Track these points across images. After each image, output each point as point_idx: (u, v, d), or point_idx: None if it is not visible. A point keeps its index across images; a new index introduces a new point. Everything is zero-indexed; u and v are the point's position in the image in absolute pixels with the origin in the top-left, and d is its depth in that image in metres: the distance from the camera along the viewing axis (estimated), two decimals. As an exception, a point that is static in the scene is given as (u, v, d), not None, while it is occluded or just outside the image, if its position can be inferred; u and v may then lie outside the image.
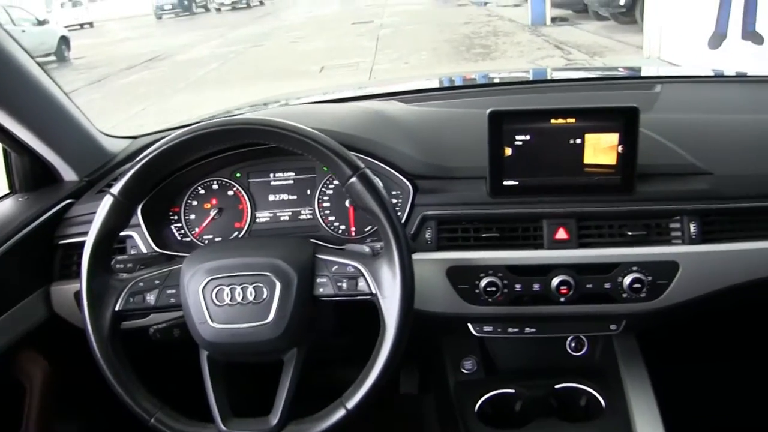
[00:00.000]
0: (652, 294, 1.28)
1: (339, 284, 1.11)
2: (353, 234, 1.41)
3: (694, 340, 1.86)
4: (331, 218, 1.42)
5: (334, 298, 1.12)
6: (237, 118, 1.12)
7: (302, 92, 2.05)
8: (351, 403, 1.06)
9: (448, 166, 1.35)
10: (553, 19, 14.01)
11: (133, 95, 10.29)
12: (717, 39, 7.68)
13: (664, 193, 1.29)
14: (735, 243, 1.29)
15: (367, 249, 1.18)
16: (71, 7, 26.93)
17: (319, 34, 16.32)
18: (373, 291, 1.09)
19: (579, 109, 1.24)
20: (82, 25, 27.59)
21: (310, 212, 1.43)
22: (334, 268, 1.12)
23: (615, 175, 1.26)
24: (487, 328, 1.38)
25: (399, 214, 1.32)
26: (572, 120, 1.24)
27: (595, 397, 1.40)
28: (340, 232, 1.42)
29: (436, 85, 2.11)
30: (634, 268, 1.27)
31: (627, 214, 1.29)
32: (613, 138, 1.24)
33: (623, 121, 1.23)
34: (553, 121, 1.24)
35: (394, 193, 1.36)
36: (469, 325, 1.39)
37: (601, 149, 1.25)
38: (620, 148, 1.24)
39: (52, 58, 15.33)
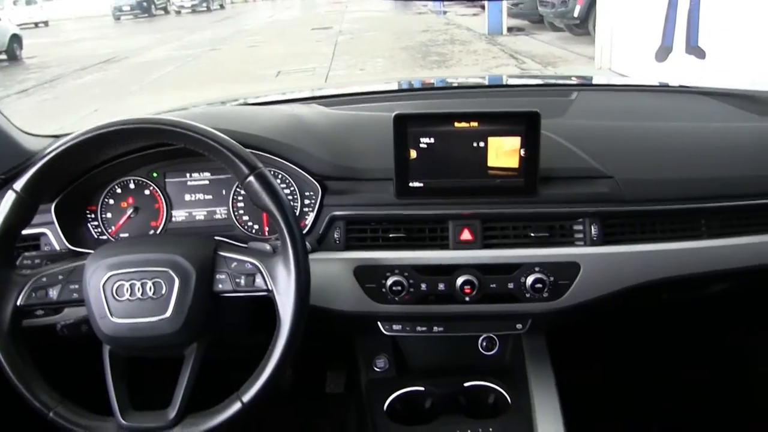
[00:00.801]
0: (554, 294, 1.32)
1: (237, 281, 1.13)
2: (266, 234, 1.43)
3: (600, 342, 1.92)
4: (245, 218, 1.43)
5: (232, 294, 1.14)
6: (137, 117, 1.13)
7: (261, 92, 2.06)
8: (247, 397, 1.08)
9: (357, 168, 1.37)
10: (510, 29, 14.20)
11: (86, 96, 10.11)
12: (663, 52, 7.86)
13: (566, 195, 1.33)
14: (634, 245, 1.34)
15: (268, 247, 1.20)
16: (25, 5, 26.28)
17: (278, 38, 16.29)
18: (269, 288, 1.11)
19: (482, 113, 1.27)
20: (36, 24, 27.03)
21: (225, 212, 1.44)
22: (233, 265, 1.14)
23: (518, 178, 1.30)
24: (396, 327, 1.41)
25: (310, 214, 1.34)
26: (475, 124, 1.27)
27: (503, 395, 1.43)
28: (253, 231, 1.43)
29: (389, 87, 2.14)
30: (537, 269, 1.30)
31: (530, 216, 1.32)
32: (515, 142, 1.27)
33: (525, 126, 1.26)
34: (456, 124, 1.27)
35: (307, 194, 1.38)
36: (379, 324, 1.41)
37: (503, 152, 1.28)
38: (522, 152, 1.28)
39: (3, 56, 15.04)
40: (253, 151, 1.19)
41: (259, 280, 1.12)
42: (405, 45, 13.31)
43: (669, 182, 1.38)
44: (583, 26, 11.60)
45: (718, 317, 1.91)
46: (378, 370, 1.54)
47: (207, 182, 1.45)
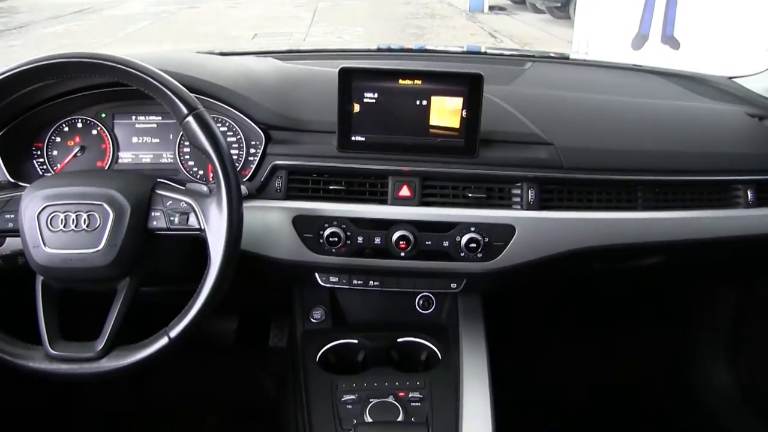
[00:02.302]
0: (488, 254, 1.34)
1: (171, 218, 1.15)
2: (210, 179, 1.43)
3: (535, 308, 1.96)
4: (190, 163, 1.43)
5: (166, 232, 1.16)
6: (76, 52, 1.12)
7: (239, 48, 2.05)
8: (174, 333, 1.10)
9: (302, 119, 1.38)
10: (492, 8, 14.18)
11: (56, 45, 9.87)
12: (640, 40, 7.90)
13: (506, 159, 1.35)
14: (570, 212, 1.36)
15: (205, 188, 1.22)
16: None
17: (257, 1, 16.06)
18: (202, 227, 1.13)
19: (425, 71, 1.29)
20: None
21: (171, 156, 1.44)
22: (168, 204, 1.16)
23: (458, 138, 1.31)
24: (333, 279, 1.43)
25: (254, 162, 1.35)
26: (419, 82, 1.28)
27: (435, 352, 1.46)
28: (198, 177, 1.43)
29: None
30: (472, 229, 1.32)
31: (469, 177, 1.34)
32: (457, 102, 1.29)
33: (468, 87, 1.28)
34: (401, 81, 1.28)
35: (252, 143, 1.39)
36: (316, 275, 1.43)
37: (445, 112, 1.30)
38: (464, 113, 1.29)
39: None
40: (200, 96, 1.19)
41: (192, 219, 1.14)
42: (385, 16, 13.21)
43: (608, 152, 1.41)
44: (564, 9, 11.62)
45: (653, 292, 1.96)
46: (314, 321, 1.55)
47: (155, 126, 1.45)
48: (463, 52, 2.07)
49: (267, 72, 1.54)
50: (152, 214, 1.15)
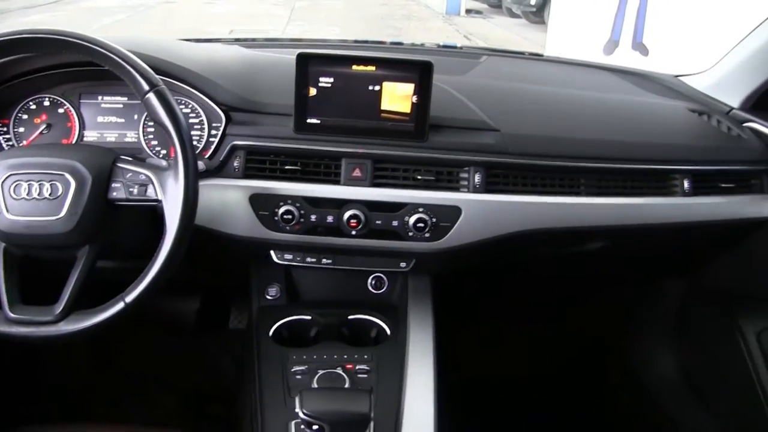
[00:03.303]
0: (435, 235, 1.41)
1: (131, 190, 1.21)
2: (172, 156, 1.48)
3: (485, 293, 2.04)
4: (154, 143, 1.48)
5: (125, 203, 1.22)
6: (38, 28, 1.18)
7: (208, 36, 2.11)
8: (129, 298, 1.16)
9: (261, 102, 1.43)
10: (468, 11, 14.32)
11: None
12: (611, 46, 8.05)
13: (454, 144, 1.42)
14: (515, 195, 1.44)
15: (164, 163, 1.28)
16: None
17: (236, -3, 16.04)
18: (159, 198, 1.19)
19: (378, 58, 1.35)
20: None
21: (135, 136, 1.49)
22: (128, 176, 1.22)
23: (409, 123, 1.38)
24: (287, 256, 1.48)
25: (215, 142, 1.41)
26: (372, 68, 1.35)
27: (384, 329, 1.52)
28: (161, 156, 1.48)
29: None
30: (420, 210, 1.39)
31: (419, 160, 1.41)
32: (408, 88, 1.36)
33: (418, 74, 1.35)
34: (354, 67, 1.35)
35: (214, 125, 1.44)
36: (272, 253, 1.49)
37: (397, 97, 1.36)
38: (415, 98, 1.36)
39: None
40: (164, 78, 1.25)
41: (150, 191, 1.20)
42: (362, 16, 13.28)
43: (552, 139, 1.48)
44: (539, 14, 11.75)
45: (602, 279, 2.04)
46: (270, 298, 1.61)
47: (121, 106, 1.49)
48: (425, 46, 2.13)
49: (231, 57, 1.59)
50: (112, 185, 1.21)
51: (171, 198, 1.17)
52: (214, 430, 1.89)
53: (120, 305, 1.16)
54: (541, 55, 2.15)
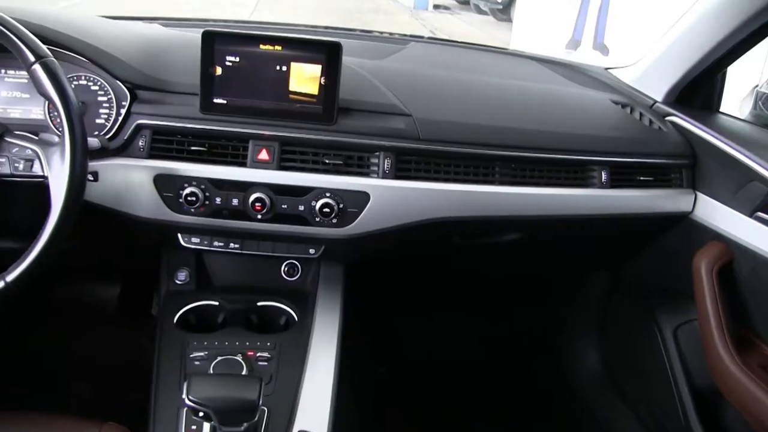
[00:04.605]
0: (342, 221, 1.38)
1: (16, 165, 1.18)
2: None
3: (397, 283, 2.02)
4: (59, 120, 1.43)
5: (9, 178, 1.18)
6: None
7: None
8: (11, 277, 1.11)
9: (168, 80, 1.39)
10: (437, 7, 14.35)
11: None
12: (573, 45, 8.12)
13: (364, 128, 1.39)
14: (426, 182, 1.41)
15: (56, 139, 1.23)
16: None
17: (201, -15, 15.80)
18: (45, 174, 1.15)
19: (285, 38, 1.32)
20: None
21: (41, 112, 1.44)
22: (14, 150, 1.19)
23: (317, 105, 1.35)
24: (195, 240, 1.45)
25: (119, 120, 1.36)
26: (279, 47, 1.32)
27: (293, 316, 1.50)
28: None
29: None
30: (327, 194, 1.36)
31: (327, 144, 1.38)
32: (316, 69, 1.33)
33: (326, 55, 1.32)
34: (262, 46, 1.32)
35: (123, 103, 1.39)
36: (179, 236, 1.45)
37: (304, 78, 1.33)
38: (323, 80, 1.33)
39: None
40: (62, 51, 1.21)
41: (36, 166, 1.17)
42: (329, 9, 13.18)
43: (466, 126, 1.46)
44: (506, 12, 11.81)
45: (521, 272, 2.04)
46: (179, 282, 1.56)
47: (26, 81, 1.43)
48: (360, 31, 2.10)
49: (142, 34, 1.55)
50: None
51: (57, 174, 1.13)
52: (132, 418, 1.85)
53: (0, 285, 1.11)
54: (468, 43, 2.13)
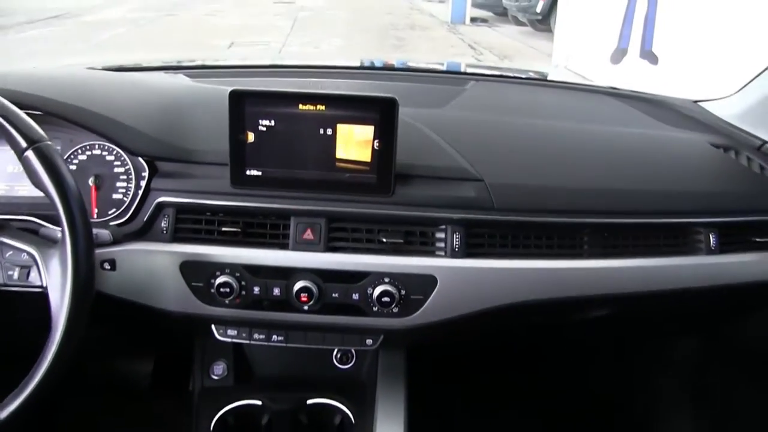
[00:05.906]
0: (405, 310, 1.16)
1: (10, 273, 1.00)
2: (95, 216, 1.23)
3: (468, 365, 1.77)
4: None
5: (3, 288, 1.00)
6: None
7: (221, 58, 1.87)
8: (5, 414, 0.92)
9: (193, 149, 1.19)
10: (473, 19, 14.09)
11: (25, 51, 9.62)
12: (619, 54, 7.84)
13: (427, 198, 1.16)
14: (502, 259, 1.18)
15: (59, 234, 1.02)
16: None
17: (237, 9, 15.85)
18: (44, 284, 0.95)
19: (329, 95, 1.10)
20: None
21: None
22: (8, 254, 1.00)
23: (370, 174, 1.13)
24: (231, 332, 1.24)
25: (137, 199, 1.16)
26: (322, 107, 1.10)
27: (348, 416, 1.28)
28: None
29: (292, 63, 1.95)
30: (386, 280, 1.14)
31: (384, 219, 1.15)
32: (367, 131, 1.10)
33: (379, 113, 1.09)
34: (301, 106, 1.10)
35: (143, 174, 1.19)
36: (213, 328, 1.24)
37: (354, 143, 1.11)
38: (376, 143, 1.11)
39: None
40: (63, 127, 1.00)
41: (33, 274, 0.98)
42: (365, 27, 13.06)
43: (548, 190, 1.22)
44: (545, 22, 11.54)
45: (605, 345, 1.78)
46: (215, 378, 1.36)
47: None
48: (410, 69, 1.87)
49: (163, 93, 1.34)
50: None
51: (57, 284, 0.93)
52: None
53: None
54: (534, 79, 1.88)
